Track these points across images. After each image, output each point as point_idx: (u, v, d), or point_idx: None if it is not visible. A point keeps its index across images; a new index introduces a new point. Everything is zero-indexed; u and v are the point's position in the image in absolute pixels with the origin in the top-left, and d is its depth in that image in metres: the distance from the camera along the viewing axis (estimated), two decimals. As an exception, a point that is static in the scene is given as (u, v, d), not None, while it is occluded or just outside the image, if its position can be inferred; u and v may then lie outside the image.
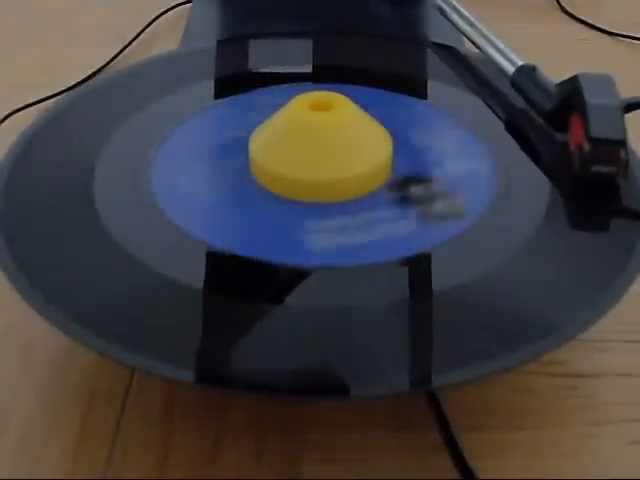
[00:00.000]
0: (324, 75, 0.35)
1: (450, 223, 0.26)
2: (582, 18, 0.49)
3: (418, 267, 0.25)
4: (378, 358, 0.22)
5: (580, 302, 0.24)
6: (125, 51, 0.45)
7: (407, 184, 0.28)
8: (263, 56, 0.37)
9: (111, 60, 0.44)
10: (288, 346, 0.22)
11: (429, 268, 0.25)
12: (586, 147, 0.27)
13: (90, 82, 0.34)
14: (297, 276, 0.24)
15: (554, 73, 0.33)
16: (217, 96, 0.34)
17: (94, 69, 0.43)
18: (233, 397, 0.25)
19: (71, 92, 0.34)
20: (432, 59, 0.37)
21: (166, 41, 0.47)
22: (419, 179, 0.29)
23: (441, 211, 0.27)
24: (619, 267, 0.25)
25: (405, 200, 0.27)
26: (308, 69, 0.36)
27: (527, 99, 0.32)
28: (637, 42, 0.47)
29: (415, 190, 0.28)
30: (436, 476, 0.23)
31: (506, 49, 0.34)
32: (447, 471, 0.23)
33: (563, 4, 0.51)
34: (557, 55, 0.45)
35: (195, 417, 0.24)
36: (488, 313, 0.23)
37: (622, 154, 0.27)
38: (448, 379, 0.21)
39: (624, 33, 0.47)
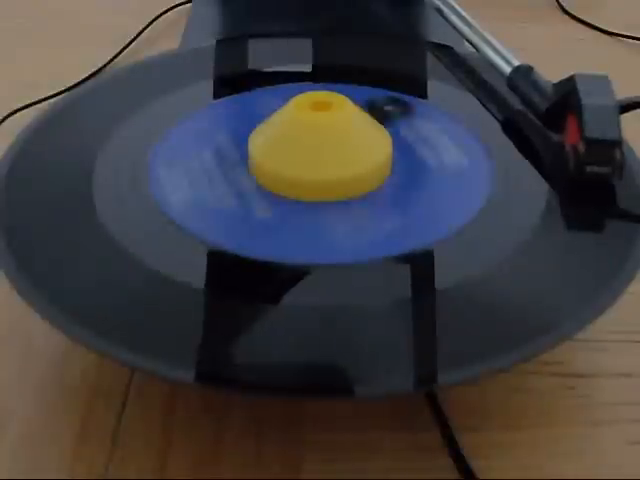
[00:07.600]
0: (324, 75, 0.35)
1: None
2: (582, 18, 0.49)
3: (416, 267, 0.25)
4: (377, 358, 0.22)
5: (578, 301, 0.24)
6: (125, 51, 0.45)
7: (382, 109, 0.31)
8: (263, 56, 0.37)
9: (111, 60, 0.44)
10: (288, 346, 0.22)
11: (428, 267, 0.25)
12: (581, 147, 0.27)
13: (90, 82, 0.34)
14: (297, 275, 0.24)
15: (554, 73, 0.33)
16: (217, 96, 0.34)
17: (94, 69, 0.43)
18: (233, 397, 0.25)
19: (71, 92, 0.34)
20: (430, 59, 0.37)
21: (166, 41, 0.47)
22: (382, 101, 0.31)
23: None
24: (617, 266, 0.25)
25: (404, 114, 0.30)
26: (308, 69, 0.36)
27: (524, 99, 0.32)
28: (637, 42, 0.47)
29: (390, 107, 0.30)
30: (436, 476, 0.23)
31: (503, 49, 0.34)
32: (447, 471, 0.23)
33: (563, 4, 0.51)
34: (557, 55, 0.45)
35: (195, 417, 0.24)
36: (485, 313, 0.23)
37: (617, 154, 0.27)
38: (448, 379, 0.21)
39: (624, 33, 0.47)
